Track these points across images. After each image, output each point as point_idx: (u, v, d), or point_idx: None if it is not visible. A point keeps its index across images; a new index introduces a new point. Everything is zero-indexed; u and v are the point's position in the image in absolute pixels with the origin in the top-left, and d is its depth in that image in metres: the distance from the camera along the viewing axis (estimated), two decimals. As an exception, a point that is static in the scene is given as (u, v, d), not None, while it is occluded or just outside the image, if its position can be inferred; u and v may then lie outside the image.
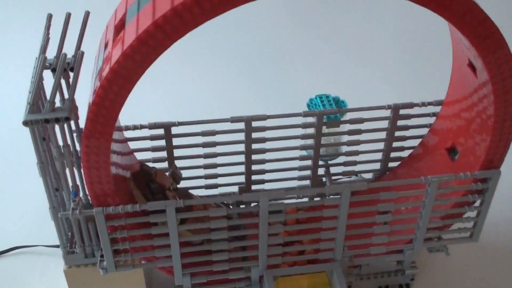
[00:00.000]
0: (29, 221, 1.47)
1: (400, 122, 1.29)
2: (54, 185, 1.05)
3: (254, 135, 1.26)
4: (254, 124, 1.24)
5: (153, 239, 1.08)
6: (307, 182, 1.36)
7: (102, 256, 1.10)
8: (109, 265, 1.10)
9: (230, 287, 1.20)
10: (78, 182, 1.09)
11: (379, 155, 1.35)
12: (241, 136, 1.25)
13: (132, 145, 1.23)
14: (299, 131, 1.28)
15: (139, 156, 1.24)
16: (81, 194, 1.13)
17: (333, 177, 1.36)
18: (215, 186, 1.32)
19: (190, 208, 1.10)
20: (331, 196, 1.10)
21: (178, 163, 1.27)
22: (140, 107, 1.57)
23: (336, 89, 1.40)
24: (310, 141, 1.30)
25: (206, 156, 1.27)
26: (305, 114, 1.25)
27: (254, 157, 1.29)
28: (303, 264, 1.20)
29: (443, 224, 1.18)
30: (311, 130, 1.27)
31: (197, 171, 1.29)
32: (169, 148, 1.25)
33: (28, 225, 1.46)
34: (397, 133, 1.31)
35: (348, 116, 1.29)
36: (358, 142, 1.31)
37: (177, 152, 1.27)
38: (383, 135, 1.32)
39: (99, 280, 1.17)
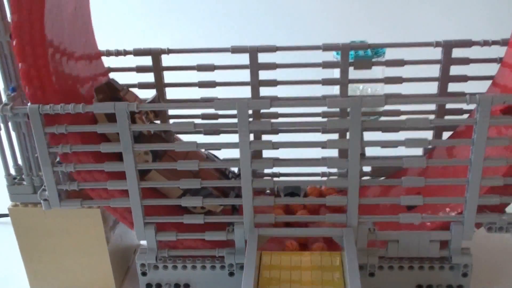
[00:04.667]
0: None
1: (454, 69, 0.99)
2: None
3: (262, 74, 1.02)
4: (261, 58, 1.00)
5: (105, 163, 0.85)
6: (334, 151, 1.07)
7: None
8: (51, 195, 0.87)
9: (208, 254, 0.91)
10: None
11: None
12: (246, 75, 1.01)
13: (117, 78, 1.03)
14: (320, 74, 1.01)
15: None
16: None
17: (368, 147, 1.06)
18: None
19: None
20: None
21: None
22: (129, 33, 1.32)
23: (375, 35, 1.13)
24: (334, 89, 1.03)
25: (204, 101, 1.04)
26: (324, 48, 0.99)
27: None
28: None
29: (506, 184, 0.82)
30: (335, 73, 1.00)
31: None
32: (158, 83, 1.03)
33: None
34: (452, 86, 1.01)
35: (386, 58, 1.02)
36: (399, 100, 1.01)
37: (169, 93, 1.05)
38: (433, 87, 1.01)
39: (50, 227, 0.94)
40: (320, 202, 0.86)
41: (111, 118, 0.87)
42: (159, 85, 1.03)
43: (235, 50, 1.00)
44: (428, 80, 1.00)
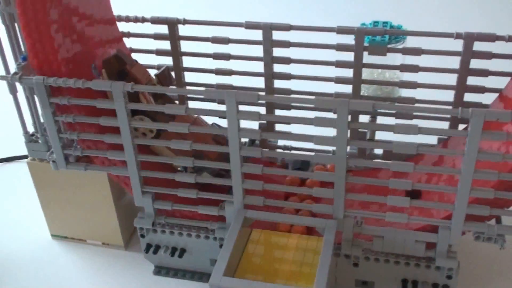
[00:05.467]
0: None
1: (474, 63, 0.94)
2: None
3: (276, 51, 1.01)
4: (275, 36, 0.99)
5: (105, 135, 0.89)
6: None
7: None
8: (58, 158, 0.94)
9: (202, 225, 0.95)
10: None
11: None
12: (260, 51, 1.01)
13: (134, 44, 1.06)
14: (334, 56, 0.99)
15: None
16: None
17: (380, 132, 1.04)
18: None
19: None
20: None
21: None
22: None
23: (401, 17, 1.07)
24: (351, 71, 1.00)
25: (217, 72, 1.05)
26: (339, 31, 0.96)
27: (276, 82, 1.04)
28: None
29: (496, 197, 0.80)
30: (348, 56, 0.98)
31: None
32: (175, 51, 1.05)
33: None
34: (471, 80, 0.95)
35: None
36: (414, 85, 0.98)
37: (185, 62, 1.07)
38: (452, 79, 0.97)
39: (64, 182, 1.01)
40: (307, 192, 0.86)
41: None
42: (175, 53, 1.05)
43: (249, 26, 0.99)
44: (447, 72, 0.96)
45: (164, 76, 0.98)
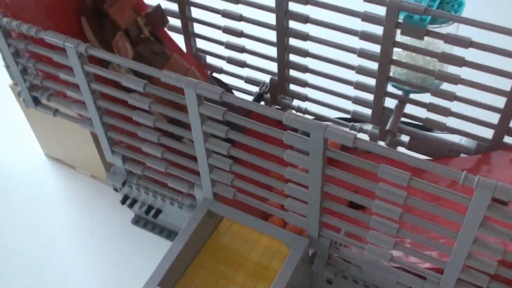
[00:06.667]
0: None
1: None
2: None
3: (292, 24, 0.82)
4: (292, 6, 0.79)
5: (68, 88, 0.78)
6: (367, 110, 0.88)
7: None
8: (26, 98, 0.84)
9: (174, 196, 0.85)
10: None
11: (493, 116, 0.78)
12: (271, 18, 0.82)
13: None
14: (359, 25, 0.78)
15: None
16: None
17: (404, 120, 0.86)
18: (241, 64, 0.93)
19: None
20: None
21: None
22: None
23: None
24: (375, 48, 0.79)
25: (225, 30, 0.88)
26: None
27: (291, 40, 0.86)
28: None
29: (496, 273, 0.62)
30: (377, 30, 0.76)
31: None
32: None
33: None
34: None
35: (451, 29, 0.74)
36: (455, 80, 0.76)
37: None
38: (505, 84, 0.74)
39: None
40: (281, 202, 0.72)
41: (99, 38, 0.78)
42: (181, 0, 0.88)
43: (259, -10, 0.79)
44: (500, 74, 0.73)
45: (155, 16, 0.82)
